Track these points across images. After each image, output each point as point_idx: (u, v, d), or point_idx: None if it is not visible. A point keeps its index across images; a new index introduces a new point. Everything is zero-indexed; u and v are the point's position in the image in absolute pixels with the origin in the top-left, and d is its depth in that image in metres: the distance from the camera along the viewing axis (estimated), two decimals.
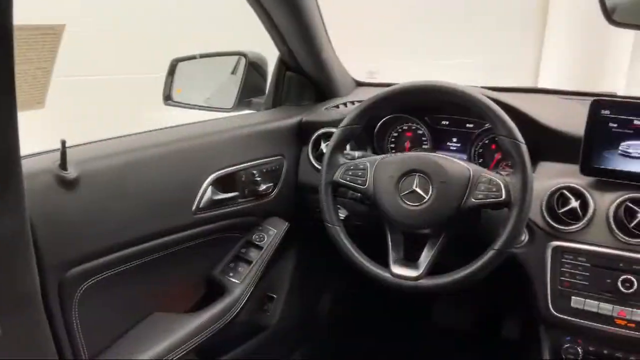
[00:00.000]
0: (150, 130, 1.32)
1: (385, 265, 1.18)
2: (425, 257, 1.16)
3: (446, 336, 1.94)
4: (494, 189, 1.10)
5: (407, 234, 1.20)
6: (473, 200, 1.11)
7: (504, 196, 1.09)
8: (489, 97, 1.14)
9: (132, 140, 1.26)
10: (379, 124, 1.53)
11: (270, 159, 1.46)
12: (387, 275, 1.17)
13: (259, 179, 1.40)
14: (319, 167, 1.39)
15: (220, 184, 1.32)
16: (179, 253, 1.27)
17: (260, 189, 1.41)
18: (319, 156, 1.48)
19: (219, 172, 1.31)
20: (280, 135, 1.52)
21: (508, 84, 1.61)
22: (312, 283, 1.81)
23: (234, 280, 1.37)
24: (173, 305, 1.33)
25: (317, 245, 1.46)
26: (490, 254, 1.09)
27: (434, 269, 1.16)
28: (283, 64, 1.63)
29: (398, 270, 1.16)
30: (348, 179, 1.23)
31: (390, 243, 1.20)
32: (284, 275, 1.68)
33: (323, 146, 1.49)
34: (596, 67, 3.49)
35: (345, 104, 1.58)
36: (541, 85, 3.84)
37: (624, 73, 3.59)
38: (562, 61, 3.66)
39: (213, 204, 1.30)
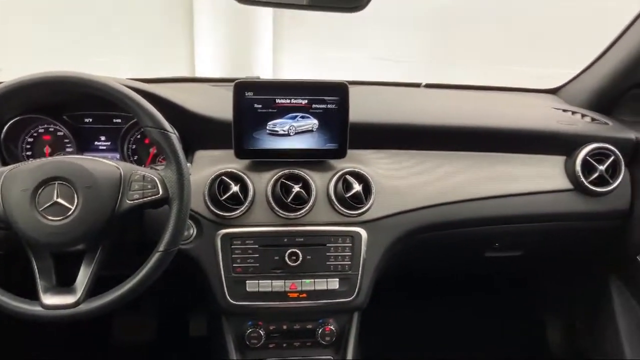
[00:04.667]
0: None
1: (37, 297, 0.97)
2: (83, 278, 0.99)
3: (131, 351, 1.78)
4: (150, 186, 1.00)
5: (56, 256, 1.01)
6: (128, 201, 0.99)
7: (161, 192, 1.00)
8: (130, 88, 1.03)
9: None
10: (4, 129, 1.25)
11: None
12: (37, 309, 0.96)
13: None
14: None
15: None
16: None
17: None
18: None
19: None
20: None
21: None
22: None
23: None
24: None
25: None
26: (156, 257, 0.99)
27: (96, 288, 1.00)
28: None
29: (50, 300, 0.96)
30: None
31: (36, 270, 0.99)
32: None
33: None
34: (245, 57, 3.71)
35: None
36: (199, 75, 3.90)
37: (270, 61, 3.92)
38: (214, 52, 3.77)
39: None
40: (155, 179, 1.00)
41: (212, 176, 1.19)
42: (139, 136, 1.32)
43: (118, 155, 1.32)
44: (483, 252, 1.52)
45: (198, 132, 1.25)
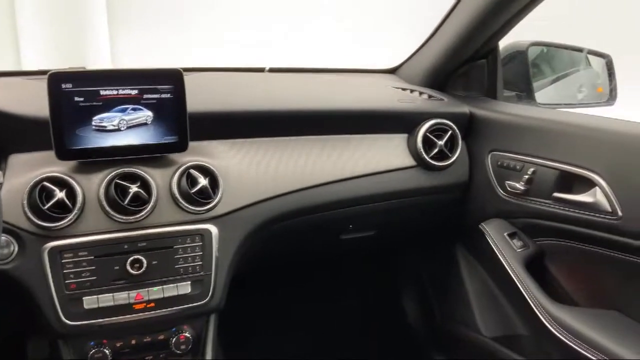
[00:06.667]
0: None
1: None
2: None
3: None
4: None
5: None
6: None
7: None
8: None
9: None
10: None
11: None
12: None
13: None
14: None
15: None
16: None
17: None
18: None
19: None
20: None
21: None
22: None
23: None
24: None
25: None
26: None
27: None
28: None
29: None
30: None
31: None
32: None
33: None
34: (76, 46, 3.37)
35: None
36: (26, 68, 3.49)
37: (107, 51, 3.62)
38: (40, 42, 3.39)
39: None
40: None
41: (31, 182, 1.03)
42: None
43: None
44: (338, 235, 1.53)
45: (9, 132, 1.08)
